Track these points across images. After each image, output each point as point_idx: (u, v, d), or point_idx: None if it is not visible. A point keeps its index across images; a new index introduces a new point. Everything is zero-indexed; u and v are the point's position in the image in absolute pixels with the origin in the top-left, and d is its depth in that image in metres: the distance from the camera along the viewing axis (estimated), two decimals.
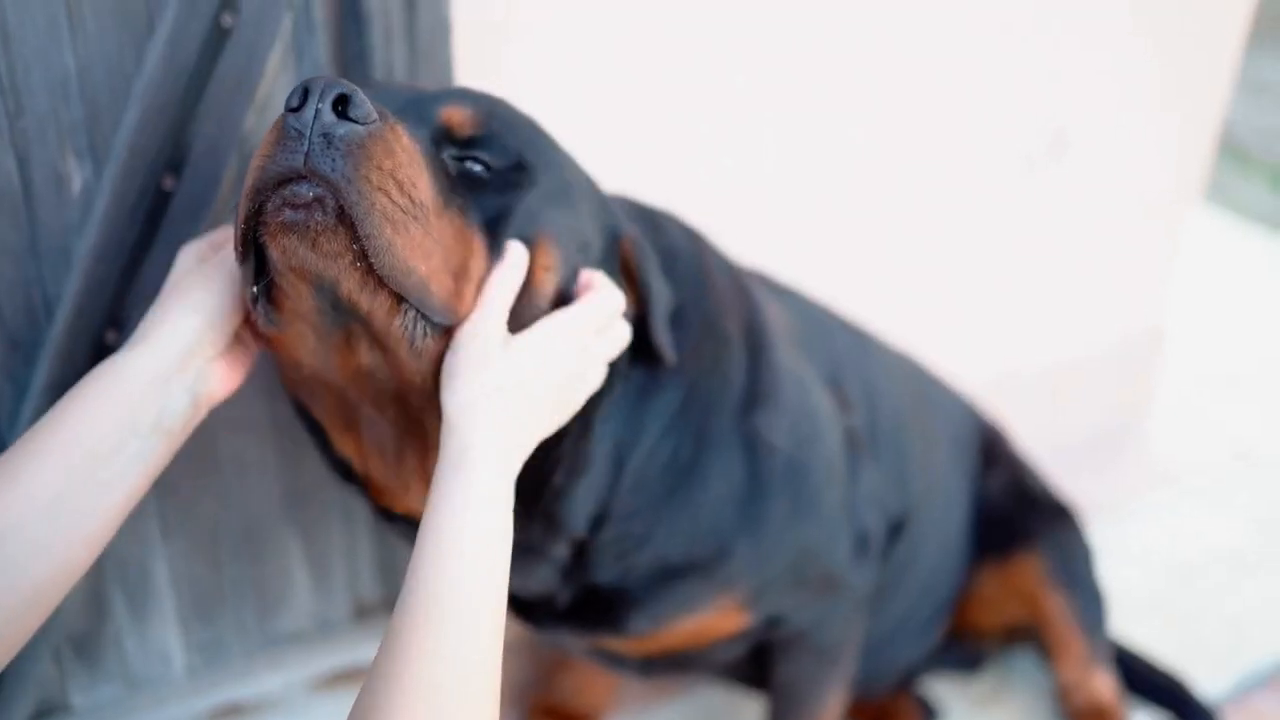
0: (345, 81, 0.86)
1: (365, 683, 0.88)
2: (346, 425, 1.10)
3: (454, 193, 0.97)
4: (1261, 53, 5.20)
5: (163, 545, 1.44)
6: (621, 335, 1.12)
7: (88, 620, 1.43)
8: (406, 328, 0.95)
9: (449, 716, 0.87)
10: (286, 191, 0.87)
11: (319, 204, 0.87)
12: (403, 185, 0.89)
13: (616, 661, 1.47)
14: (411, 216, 0.90)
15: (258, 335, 1.07)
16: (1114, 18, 1.99)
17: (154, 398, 1.01)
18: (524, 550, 1.17)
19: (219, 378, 1.06)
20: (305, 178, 0.86)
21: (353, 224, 0.87)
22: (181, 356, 1.02)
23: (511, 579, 1.20)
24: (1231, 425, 2.71)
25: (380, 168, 0.87)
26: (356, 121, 0.86)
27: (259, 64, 1.20)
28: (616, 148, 1.56)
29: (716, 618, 1.33)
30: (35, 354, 1.23)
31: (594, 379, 1.09)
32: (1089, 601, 1.80)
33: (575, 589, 1.25)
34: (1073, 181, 2.13)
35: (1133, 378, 2.52)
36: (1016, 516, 1.82)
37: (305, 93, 0.86)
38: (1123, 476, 2.45)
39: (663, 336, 1.14)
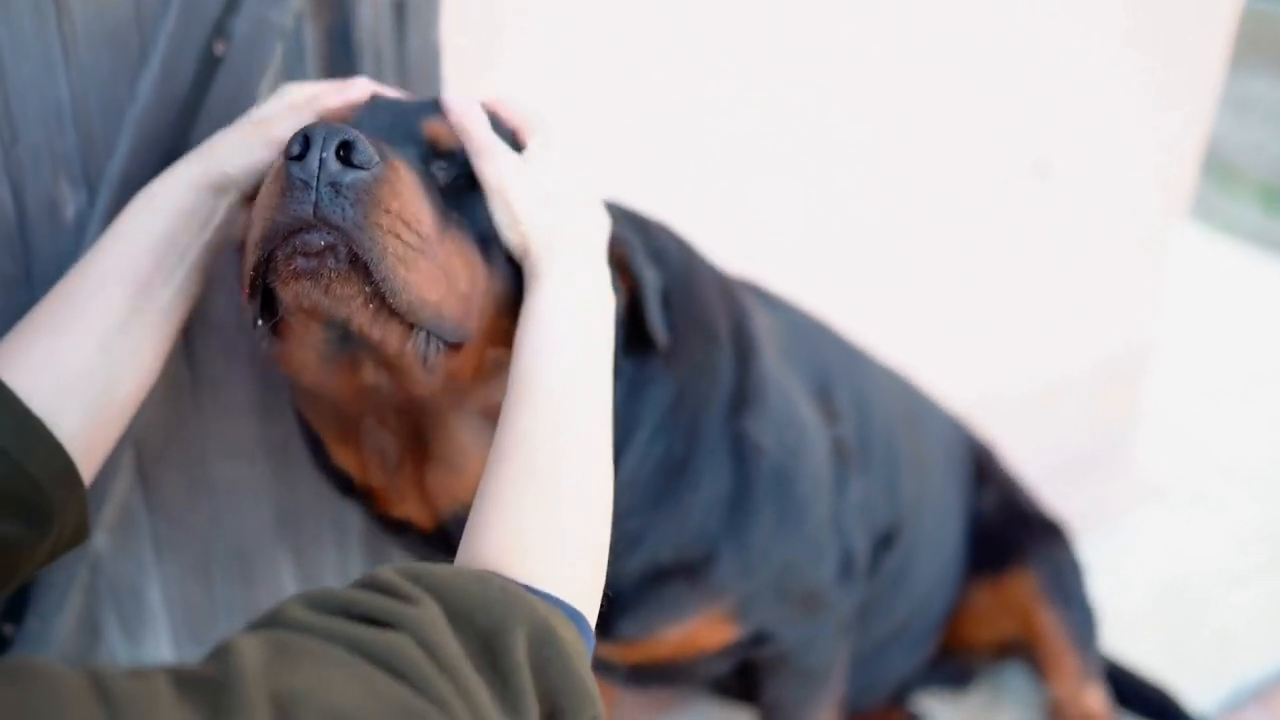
0: (346, 127, 0.87)
1: (480, 486, 0.91)
2: (345, 436, 1.12)
3: (449, 209, 0.99)
4: (1246, 69, 5.24)
5: (156, 568, 1.45)
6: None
7: (81, 643, 1.43)
8: (419, 350, 0.96)
9: (563, 491, 0.90)
10: (297, 240, 0.87)
11: (331, 251, 0.87)
12: (410, 224, 0.90)
13: (605, 669, 1.48)
14: (420, 252, 0.91)
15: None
16: (1099, 37, 2.02)
17: (203, 206, 1.05)
18: None
19: (250, 161, 1.06)
20: (316, 226, 0.87)
21: (365, 268, 0.88)
22: (241, 174, 1.05)
23: None
24: (1218, 440, 2.73)
25: (389, 211, 0.88)
26: (361, 167, 0.87)
27: (250, 91, 1.22)
28: (607, 166, 1.58)
29: (704, 628, 1.34)
30: None
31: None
32: (1081, 618, 1.82)
33: None
34: (1060, 201, 2.15)
35: (1120, 394, 2.54)
36: (1009, 533, 1.84)
37: (306, 141, 0.86)
38: (1111, 492, 2.46)
39: (656, 319, 1.15)
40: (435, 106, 1.07)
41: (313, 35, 1.26)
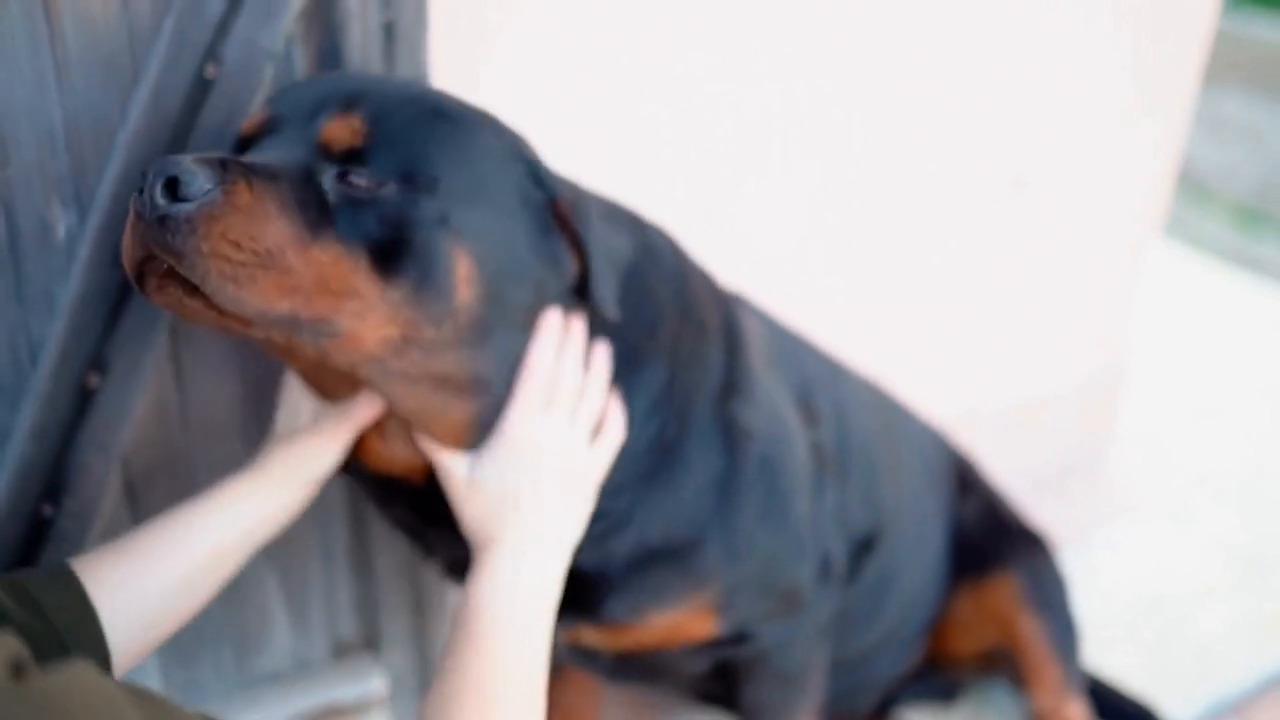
0: (181, 161, 0.93)
1: None
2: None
3: (328, 220, 1.01)
4: (1220, 89, 5.32)
5: None
6: (594, 403, 1.19)
7: None
8: (305, 341, 1.01)
9: None
10: (147, 265, 0.96)
11: (171, 275, 0.96)
12: (240, 244, 0.95)
13: (590, 659, 1.49)
14: (259, 266, 0.96)
15: None
16: (1074, 57, 2.05)
17: (278, 518, 1.20)
18: None
19: (339, 453, 1.21)
20: (154, 254, 0.95)
21: None
22: (306, 483, 1.20)
23: None
24: (1193, 455, 2.77)
25: (209, 236, 0.93)
26: (185, 200, 0.93)
27: (241, 114, 1.23)
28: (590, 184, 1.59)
29: (689, 618, 1.36)
30: (19, 399, 1.25)
31: (587, 454, 1.18)
32: (1062, 628, 1.83)
33: None
34: (1037, 219, 2.18)
35: (1096, 410, 2.56)
36: (990, 543, 1.86)
37: (144, 177, 0.94)
38: (1088, 508, 2.49)
39: (602, 289, 1.15)
40: (346, 100, 1.07)
41: (303, 58, 1.27)
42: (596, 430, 1.20)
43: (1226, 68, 5.23)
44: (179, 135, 1.21)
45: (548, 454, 1.14)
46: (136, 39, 1.16)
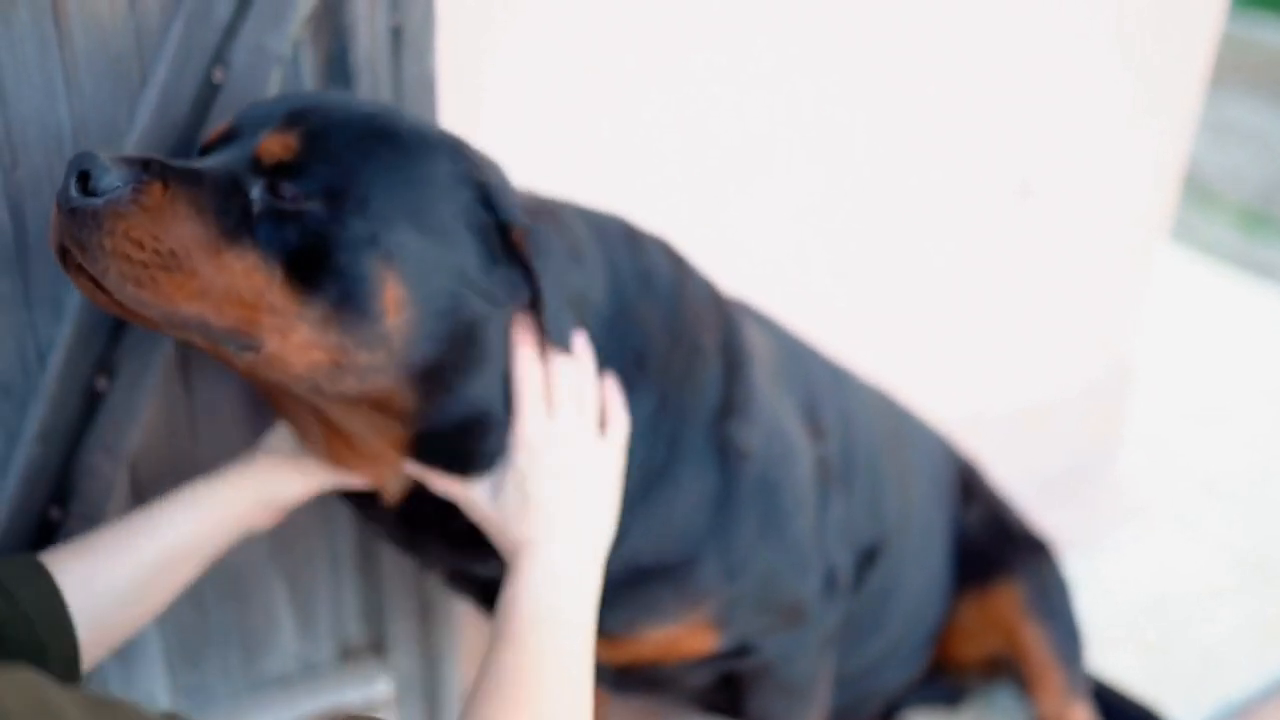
0: (96, 156, 0.94)
1: None
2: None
3: (248, 229, 1.00)
4: (1225, 93, 5.31)
5: None
6: (592, 395, 1.18)
7: None
8: (230, 352, 1.01)
9: None
10: (67, 254, 0.97)
11: (81, 267, 0.96)
12: (143, 243, 0.95)
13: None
14: (160, 268, 0.96)
15: None
16: (1080, 61, 2.05)
17: (247, 516, 1.22)
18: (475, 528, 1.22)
19: (305, 490, 1.25)
20: (67, 245, 0.96)
21: None
22: (277, 484, 1.23)
23: (474, 563, 1.28)
24: (1199, 459, 2.76)
25: (112, 233, 0.94)
26: (94, 194, 0.94)
27: None
28: (597, 190, 1.60)
29: (687, 633, 1.36)
30: (26, 402, 1.25)
31: (600, 447, 1.17)
32: (1066, 633, 1.83)
33: None
34: (1043, 223, 2.18)
35: (1103, 414, 2.56)
36: (995, 549, 1.86)
37: (66, 171, 0.96)
38: (1095, 511, 2.49)
39: (550, 323, 1.12)
40: (291, 116, 1.06)
41: (310, 62, 1.27)
42: (601, 421, 1.20)
43: (1232, 71, 5.23)
44: (186, 139, 1.21)
45: (564, 457, 1.14)
46: (144, 42, 1.16)
